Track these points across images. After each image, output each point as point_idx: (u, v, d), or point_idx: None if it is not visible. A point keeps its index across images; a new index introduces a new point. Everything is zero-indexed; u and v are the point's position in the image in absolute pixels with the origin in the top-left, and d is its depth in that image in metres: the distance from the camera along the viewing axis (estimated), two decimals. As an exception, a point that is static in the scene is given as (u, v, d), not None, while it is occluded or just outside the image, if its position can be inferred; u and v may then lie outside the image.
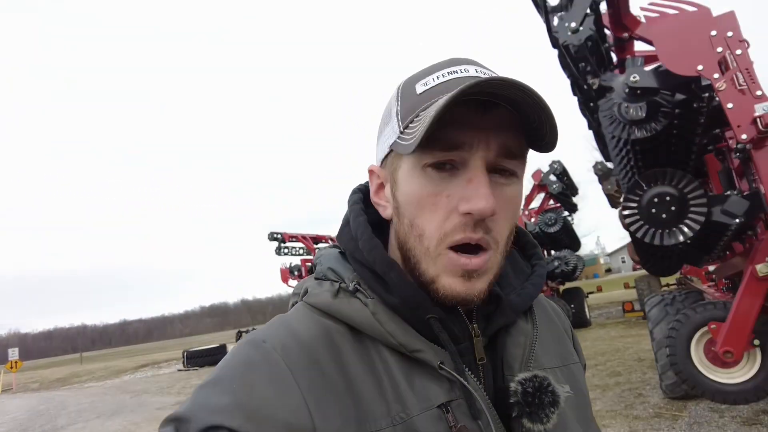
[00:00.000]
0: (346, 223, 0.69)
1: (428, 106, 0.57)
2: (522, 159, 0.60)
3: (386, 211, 0.66)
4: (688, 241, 4.13)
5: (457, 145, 0.56)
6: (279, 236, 16.09)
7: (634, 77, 4.16)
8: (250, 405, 0.50)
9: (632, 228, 4.24)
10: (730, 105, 3.59)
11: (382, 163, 0.66)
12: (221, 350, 19.56)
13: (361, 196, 0.71)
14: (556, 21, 4.65)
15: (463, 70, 0.60)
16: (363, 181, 0.74)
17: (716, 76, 3.65)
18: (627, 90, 4.26)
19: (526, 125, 0.57)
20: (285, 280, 16.72)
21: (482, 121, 0.56)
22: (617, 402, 5.72)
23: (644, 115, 4.20)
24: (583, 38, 4.52)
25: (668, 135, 4.54)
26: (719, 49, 3.70)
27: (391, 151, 0.63)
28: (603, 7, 4.56)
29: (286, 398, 0.51)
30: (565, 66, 4.84)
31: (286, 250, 16.39)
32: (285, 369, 0.53)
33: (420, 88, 0.60)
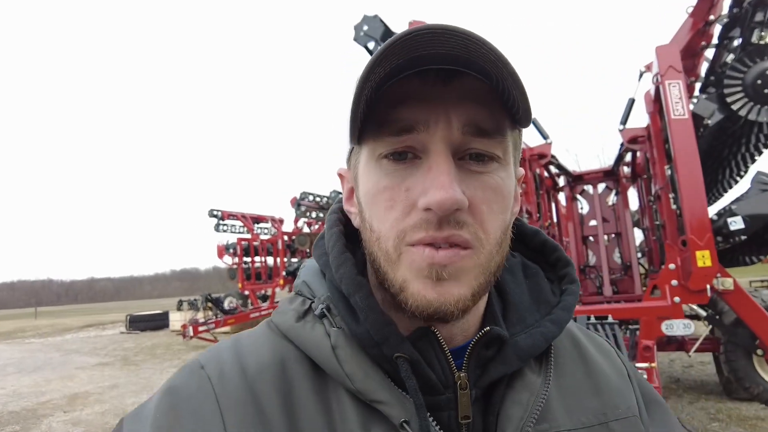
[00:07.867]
0: (322, 236, 0.60)
1: None
2: (500, 137, 0.48)
3: (356, 220, 0.55)
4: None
5: (410, 125, 0.46)
6: (218, 213, 16.14)
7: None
8: None
9: (735, 106, 3.92)
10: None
11: (348, 163, 0.57)
12: (164, 316, 19.99)
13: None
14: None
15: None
16: None
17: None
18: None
19: (498, 95, 0.46)
20: (221, 256, 17.08)
21: (442, 94, 0.46)
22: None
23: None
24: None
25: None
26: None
27: (353, 147, 0.54)
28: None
29: None
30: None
31: (224, 228, 16.35)
32: (213, 402, 0.47)
33: None
